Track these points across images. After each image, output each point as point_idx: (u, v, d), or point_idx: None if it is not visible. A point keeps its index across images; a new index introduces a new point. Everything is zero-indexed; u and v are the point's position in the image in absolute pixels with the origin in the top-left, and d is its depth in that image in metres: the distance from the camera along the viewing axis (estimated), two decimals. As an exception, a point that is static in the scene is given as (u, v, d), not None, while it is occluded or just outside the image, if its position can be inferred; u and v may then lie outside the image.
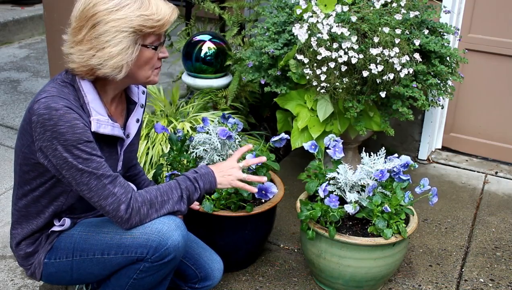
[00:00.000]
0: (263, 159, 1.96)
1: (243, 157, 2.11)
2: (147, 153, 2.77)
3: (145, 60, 1.69)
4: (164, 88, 3.99)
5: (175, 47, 3.54)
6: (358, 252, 2.13)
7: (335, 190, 2.22)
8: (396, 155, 2.26)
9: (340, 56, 2.44)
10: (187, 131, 2.81)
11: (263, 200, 2.29)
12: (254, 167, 2.23)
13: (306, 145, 2.28)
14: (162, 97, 3.26)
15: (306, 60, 2.50)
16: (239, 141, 2.33)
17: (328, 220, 2.13)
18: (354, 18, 2.47)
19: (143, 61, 1.69)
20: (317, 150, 2.27)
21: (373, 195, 2.14)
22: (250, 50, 2.82)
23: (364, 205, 2.15)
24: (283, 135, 2.23)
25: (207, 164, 2.06)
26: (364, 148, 2.54)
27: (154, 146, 2.80)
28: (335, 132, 2.66)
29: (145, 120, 2.91)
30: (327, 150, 2.26)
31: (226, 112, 2.43)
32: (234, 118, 2.40)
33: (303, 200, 2.22)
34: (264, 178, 1.95)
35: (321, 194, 2.11)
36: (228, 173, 1.87)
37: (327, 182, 2.20)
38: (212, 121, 2.37)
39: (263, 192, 2.14)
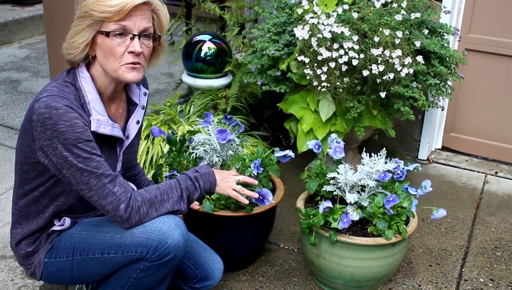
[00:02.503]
0: (255, 182, 2.01)
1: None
2: (147, 152, 2.77)
3: (107, 50, 1.67)
4: (164, 88, 3.99)
5: (176, 46, 3.53)
6: (358, 252, 2.13)
7: (335, 190, 2.22)
8: (401, 161, 2.25)
9: (341, 56, 2.44)
10: (187, 132, 2.80)
11: (259, 204, 2.28)
12: (255, 173, 2.22)
13: (311, 144, 2.28)
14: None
15: (307, 60, 2.50)
16: (238, 142, 2.33)
17: (330, 222, 2.13)
18: (355, 15, 2.48)
19: (105, 50, 1.67)
20: (320, 150, 2.27)
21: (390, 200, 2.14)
22: (252, 54, 2.82)
23: (364, 205, 2.15)
24: (288, 152, 2.23)
25: (207, 165, 2.06)
26: (364, 148, 2.54)
27: (153, 144, 2.79)
28: (340, 132, 2.66)
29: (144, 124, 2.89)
30: (328, 150, 2.26)
31: (228, 115, 2.43)
32: (236, 119, 2.40)
33: (301, 210, 2.21)
34: (256, 195, 2.02)
35: (321, 211, 2.11)
36: (227, 179, 1.91)
37: (327, 199, 2.21)
38: (213, 121, 2.36)
39: (260, 197, 2.14)
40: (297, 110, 2.74)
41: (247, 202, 1.98)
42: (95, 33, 1.66)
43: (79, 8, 1.67)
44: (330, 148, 2.26)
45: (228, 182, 1.90)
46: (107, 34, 1.65)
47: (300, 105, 2.74)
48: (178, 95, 3.31)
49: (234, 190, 1.91)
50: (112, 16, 1.63)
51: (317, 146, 2.27)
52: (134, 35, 1.67)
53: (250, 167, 2.17)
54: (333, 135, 2.28)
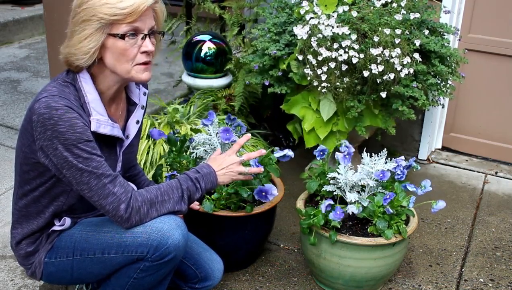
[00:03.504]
0: (263, 152, 1.98)
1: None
2: (148, 153, 2.77)
3: (119, 52, 1.65)
4: (164, 88, 3.99)
5: (177, 45, 3.53)
6: (358, 252, 2.13)
7: (335, 190, 2.22)
8: (402, 157, 2.25)
9: (340, 55, 2.44)
10: (187, 132, 2.80)
11: (263, 200, 2.29)
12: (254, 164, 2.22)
13: (316, 151, 2.29)
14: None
15: (314, 62, 2.50)
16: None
17: (330, 222, 2.13)
18: (355, 14, 2.48)
19: (117, 52, 1.65)
20: (324, 156, 2.28)
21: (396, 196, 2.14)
22: (252, 53, 2.82)
23: (365, 205, 2.15)
24: (287, 152, 2.24)
25: (208, 164, 2.05)
26: (364, 148, 2.54)
27: (155, 145, 2.79)
28: (342, 131, 2.66)
29: (147, 126, 2.88)
30: (336, 153, 2.26)
31: (231, 115, 2.43)
32: (238, 120, 2.40)
33: (301, 210, 2.21)
34: (262, 169, 1.99)
35: (323, 210, 2.11)
36: (229, 169, 1.89)
37: (329, 195, 2.22)
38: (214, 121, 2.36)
39: (264, 193, 2.14)
40: (298, 110, 2.74)
41: (251, 177, 1.96)
42: (105, 36, 1.64)
43: (81, 11, 1.63)
44: (340, 152, 2.26)
45: (232, 171, 1.89)
46: (121, 36, 1.63)
47: (301, 105, 2.74)
48: (177, 96, 3.31)
49: (241, 173, 1.91)
50: (124, 18, 1.61)
51: (321, 153, 2.28)
52: (145, 35, 1.67)
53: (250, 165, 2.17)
54: (344, 146, 2.27)
